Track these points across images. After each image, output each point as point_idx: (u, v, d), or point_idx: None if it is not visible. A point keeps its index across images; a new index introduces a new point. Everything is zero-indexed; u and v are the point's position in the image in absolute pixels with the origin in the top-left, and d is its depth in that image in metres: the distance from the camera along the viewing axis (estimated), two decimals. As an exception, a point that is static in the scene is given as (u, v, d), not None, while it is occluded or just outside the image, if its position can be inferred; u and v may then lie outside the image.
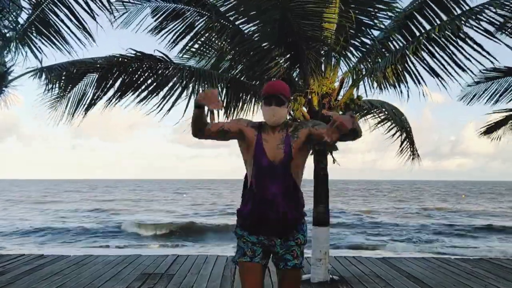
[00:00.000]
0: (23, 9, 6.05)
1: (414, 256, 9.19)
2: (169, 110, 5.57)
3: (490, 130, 7.68)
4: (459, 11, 5.30)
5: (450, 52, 4.98)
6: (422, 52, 5.14)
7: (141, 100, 5.66)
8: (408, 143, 6.68)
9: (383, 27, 5.34)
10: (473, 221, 23.70)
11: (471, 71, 4.93)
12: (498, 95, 7.54)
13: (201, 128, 2.55)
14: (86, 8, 6.03)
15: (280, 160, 2.55)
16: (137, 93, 5.70)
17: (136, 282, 5.60)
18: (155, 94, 5.68)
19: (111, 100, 5.76)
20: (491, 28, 4.83)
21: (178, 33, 6.21)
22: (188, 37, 6.19)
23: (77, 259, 7.21)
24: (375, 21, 5.26)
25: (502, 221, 24.17)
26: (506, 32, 4.81)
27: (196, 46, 6.30)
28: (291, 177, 2.57)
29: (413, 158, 6.79)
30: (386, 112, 6.54)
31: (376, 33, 5.74)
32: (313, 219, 5.86)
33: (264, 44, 5.44)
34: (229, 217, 23.09)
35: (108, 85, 5.79)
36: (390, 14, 5.14)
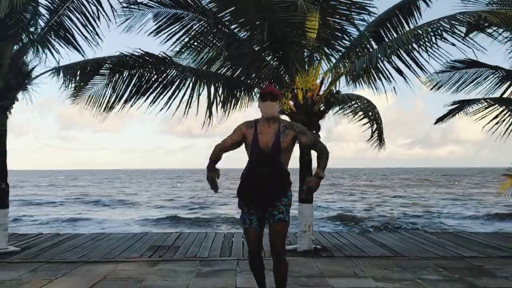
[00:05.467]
0: (42, 15, 6.86)
1: (391, 231, 10.26)
2: (177, 108, 6.45)
3: (441, 118, 8.64)
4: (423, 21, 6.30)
5: (413, 55, 5.94)
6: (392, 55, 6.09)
7: (152, 101, 6.54)
8: (377, 133, 7.64)
9: (356, 34, 6.28)
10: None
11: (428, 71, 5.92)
12: (459, 84, 8.55)
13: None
14: (96, 13, 6.90)
15: (271, 150, 3.35)
16: (148, 94, 6.58)
17: (148, 252, 6.54)
18: (164, 93, 6.56)
19: (126, 101, 6.63)
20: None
21: (177, 35, 6.99)
22: (186, 39, 6.98)
23: (92, 236, 8.14)
24: (348, 30, 6.21)
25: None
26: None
27: (193, 45, 7.13)
28: (280, 162, 3.38)
29: (380, 147, 7.75)
30: (361, 105, 7.49)
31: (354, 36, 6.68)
32: (298, 197, 6.82)
33: (256, 48, 6.34)
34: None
35: (120, 85, 6.65)
36: (362, 22, 6.06)
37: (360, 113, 6.88)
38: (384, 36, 6.53)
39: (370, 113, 6.44)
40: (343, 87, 7.08)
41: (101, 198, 32.65)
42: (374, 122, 6.81)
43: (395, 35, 6.34)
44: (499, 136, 7.34)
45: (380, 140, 7.13)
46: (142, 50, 6.59)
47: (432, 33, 5.35)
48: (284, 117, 6.74)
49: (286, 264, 3.46)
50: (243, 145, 3.54)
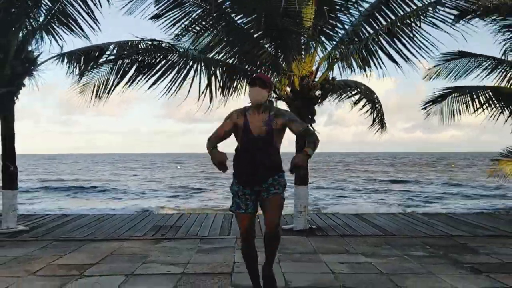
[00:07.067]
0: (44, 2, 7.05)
1: (384, 213, 10.62)
2: (175, 91, 6.70)
3: (428, 104, 8.94)
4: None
5: (405, 41, 6.17)
6: (383, 41, 6.32)
7: (153, 83, 6.77)
8: (378, 118, 7.93)
9: (349, 21, 6.50)
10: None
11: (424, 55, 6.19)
12: (456, 73, 8.80)
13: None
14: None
15: (263, 135, 3.36)
16: (149, 77, 6.80)
17: (151, 231, 6.87)
18: (164, 77, 6.80)
19: (128, 84, 6.87)
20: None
21: (178, 19, 7.13)
22: (186, 24, 7.11)
23: (96, 216, 8.49)
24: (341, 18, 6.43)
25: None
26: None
27: (194, 30, 7.31)
28: (272, 145, 3.40)
29: (381, 131, 8.05)
30: (359, 91, 7.76)
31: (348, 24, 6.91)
32: (295, 179, 7.12)
33: (255, 36, 6.56)
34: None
35: (123, 70, 6.88)
36: (356, 11, 6.28)
37: (360, 98, 7.17)
38: (382, 20, 6.72)
39: (370, 99, 6.71)
40: (337, 74, 7.32)
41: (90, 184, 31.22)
42: (375, 107, 7.10)
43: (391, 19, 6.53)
44: (485, 121, 7.64)
45: (382, 125, 7.45)
46: (141, 37, 6.82)
47: (420, 18, 5.59)
48: (281, 103, 7.04)
49: (278, 238, 3.46)
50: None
